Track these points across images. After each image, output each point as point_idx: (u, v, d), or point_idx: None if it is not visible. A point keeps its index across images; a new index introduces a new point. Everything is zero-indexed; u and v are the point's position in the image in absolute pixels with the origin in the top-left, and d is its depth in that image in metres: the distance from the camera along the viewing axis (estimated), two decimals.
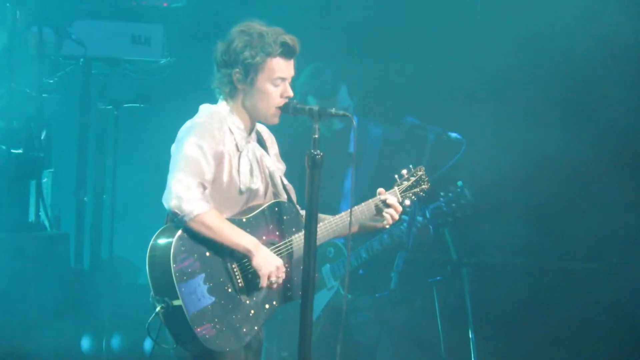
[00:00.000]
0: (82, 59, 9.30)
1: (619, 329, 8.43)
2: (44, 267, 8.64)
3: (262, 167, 5.42)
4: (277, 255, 5.29)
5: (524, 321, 8.63)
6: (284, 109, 5.31)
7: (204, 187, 5.15)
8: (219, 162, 5.24)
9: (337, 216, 5.45)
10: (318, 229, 5.15)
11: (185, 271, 5.08)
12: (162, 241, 5.12)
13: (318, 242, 5.14)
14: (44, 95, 9.19)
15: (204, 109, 5.37)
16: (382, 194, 5.55)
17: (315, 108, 5.20)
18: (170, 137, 5.31)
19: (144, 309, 5.34)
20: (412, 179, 5.67)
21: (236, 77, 5.30)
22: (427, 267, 8.18)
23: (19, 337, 8.38)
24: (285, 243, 5.34)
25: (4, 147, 8.98)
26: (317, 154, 5.07)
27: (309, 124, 5.16)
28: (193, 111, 5.39)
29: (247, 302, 5.22)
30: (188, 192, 5.08)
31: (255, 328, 5.24)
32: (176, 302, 5.05)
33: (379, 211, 5.51)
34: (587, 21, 8.41)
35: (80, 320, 8.66)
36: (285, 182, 5.52)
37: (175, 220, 5.12)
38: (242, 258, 5.21)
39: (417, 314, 8.33)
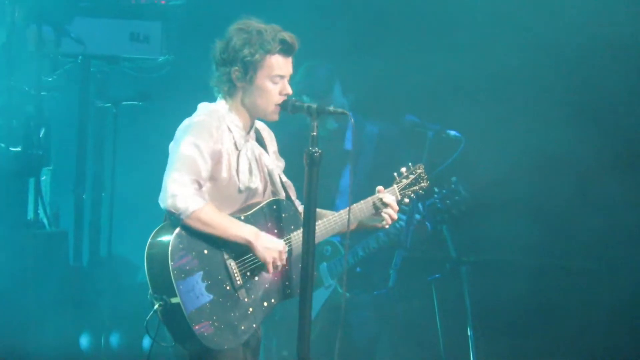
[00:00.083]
0: (80, 57, 9.30)
1: (619, 328, 8.43)
2: (42, 265, 8.63)
3: (260, 165, 5.41)
4: None
5: (524, 319, 8.63)
6: (282, 106, 5.31)
7: (199, 185, 5.14)
8: (217, 160, 5.23)
9: (336, 214, 5.45)
10: (317, 227, 5.15)
11: (183, 269, 5.08)
12: (160, 239, 5.12)
13: (317, 240, 5.14)
14: (42, 93, 9.19)
15: (203, 107, 5.36)
16: (381, 192, 5.54)
17: (314, 105, 5.21)
18: (169, 134, 5.30)
19: (142, 307, 5.33)
20: (412, 176, 5.66)
21: (235, 75, 5.29)
22: (426, 265, 8.18)
23: (18, 334, 8.38)
24: (284, 241, 5.33)
25: (2, 145, 8.98)
26: (316, 152, 5.07)
27: (303, 122, 5.16)
28: (192, 108, 5.38)
29: (246, 299, 5.21)
30: (182, 190, 5.08)
31: (254, 326, 5.24)
32: (174, 300, 5.04)
33: (377, 210, 5.51)
34: (587, 18, 8.40)
35: (79, 317, 8.66)
36: (285, 179, 5.52)
37: (172, 219, 5.12)
38: (241, 255, 5.21)
39: (416, 312, 8.33)
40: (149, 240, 5.15)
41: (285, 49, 5.30)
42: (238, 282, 5.20)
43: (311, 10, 8.82)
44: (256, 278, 5.25)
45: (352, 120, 5.43)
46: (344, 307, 5.57)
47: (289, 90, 5.34)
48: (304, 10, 8.74)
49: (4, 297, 8.40)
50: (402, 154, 7.66)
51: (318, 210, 5.26)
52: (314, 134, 5.12)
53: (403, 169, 5.67)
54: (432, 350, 8.08)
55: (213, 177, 5.23)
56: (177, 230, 5.10)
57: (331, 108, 5.24)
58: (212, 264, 5.15)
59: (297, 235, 5.31)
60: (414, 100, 8.61)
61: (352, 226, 5.46)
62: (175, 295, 5.04)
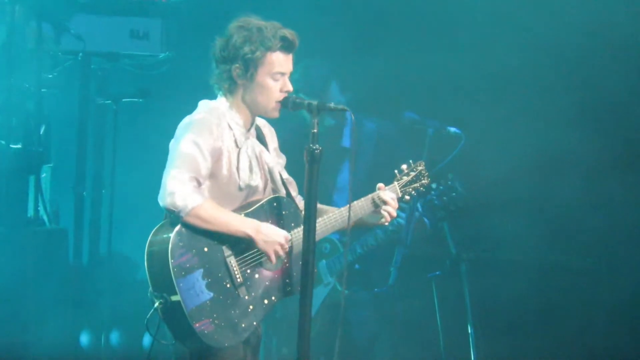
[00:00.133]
0: (80, 54, 9.29)
1: (620, 327, 8.42)
2: (42, 263, 8.63)
3: (261, 163, 5.41)
4: None
5: (524, 317, 8.63)
6: (283, 103, 5.31)
7: (198, 182, 5.13)
8: (217, 158, 5.23)
9: (336, 211, 5.44)
10: (317, 224, 5.14)
11: (183, 266, 5.07)
12: (160, 237, 5.11)
13: (317, 237, 5.13)
14: (43, 90, 9.18)
15: (203, 104, 5.35)
16: (382, 189, 5.53)
17: (314, 102, 5.20)
18: (170, 131, 5.30)
19: (143, 305, 5.32)
20: (412, 174, 5.66)
21: (236, 72, 5.28)
22: (426, 262, 8.18)
23: (18, 332, 8.37)
24: None
25: (2, 142, 8.97)
26: (316, 149, 5.06)
27: (300, 119, 5.16)
28: (192, 105, 5.38)
29: (246, 297, 5.21)
30: (180, 187, 5.07)
31: (254, 323, 5.23)
32: (174, 298, 5.04)
33: (377, 207, 5.50)
34: (588, 18, 8.40)
35: (79, 315, 8.65)
36: (286, 175, 5.51)
37: (172, 217, 5.11)
38: (242, 252, 5.20)
39: (416, 309, 8.33)
40: (149, 238, 5.14)
41: (286, 46, 5.30)
42: (238, 280, 5.19)
43: (310, 8, 8.82)
44: (257, 275, 5.24)
45: (353, 117, 5.42)
46: (344, 306, 5.55)
47: (290, 87, 5.33)
48: (303, 7, 8.73)
49: (3, 294, 8.39)
50: (400, 151, 7.67)
51: (319, 205, 5.26)
52: (315, 131, 5.11)
53: (404, 166, 5.66)
54: (432, 348, 8.08)
55: (213, 175, 5.23)
56: (177, 228, 5.09)
57: (332, 105, 5.23)
58: (212, 262, 5.14)
59: (298, 233, 5.31)
60: (414, 98, 8.60)
61: (353, 223, 5.45)
62: (176, 293, 5.04)
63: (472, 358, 7.76)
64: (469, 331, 7.73)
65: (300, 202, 5.45)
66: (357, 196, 5.50)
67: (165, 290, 5.06)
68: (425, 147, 7.59)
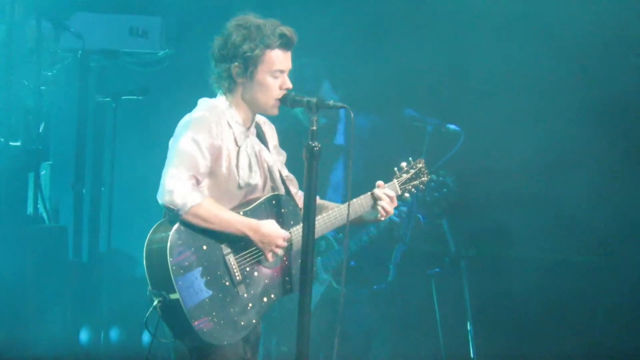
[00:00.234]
0: (80, 52, 9.29)
1: (621, 323, 8.43)
2: (42, 260, 8.63)
3: (260, 161, 5.40)
4: None
5: (524, 314, 8.63)
6: (282, 100, 5.31)
7: (197, 180, 5.13)
8: (216, 156, 5.22)
9: (335, 209, 5.43)
10: (316, 222, 5.14)
11: (182, 264, 5.07)
12: (159, 235, 5.11)
13: (316, 235, 5.13)
14: (42, 87, 9.18)
15: (203, 102, 5.35)
16: (381, 187, 5.53)
17: (313, 100, 5.20)
18: (169, 129, 5.29)
19: (142, 302, 5.32)
20: (412, 171, 5.65)
21: (235, 71, 5.28)
22: (426, 259, 8.18)
23: (18, 329, 8.38)
24: None
25: (2, 140, 8.98)
26: (315, 146, 5.07)
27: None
28: (192, 103, 5.37)
29: (245, 295, 5.20)
30: (179, 186, 5.06)
31: (253, 321, 5.23)
32: (173, 296, 5.03)
33: (375, 203, 5.50)
34: (596, 16, 8.39)
35: (78, 312, 8.66)
36: (286, 173, 5.51)
37: (171, 215, 5.11)
38: (241, 250, 5.20)
39: (416, 306, 8.33)
40: (148, 236, 5.14)
41: (285, 43, 5.29)
42: (237, 278, 5.19)
43: (310, 6, 8.82)
44: (256, 274, 5.24)
45: (352, 114, 5.41)
46: (342, 304, 5.55)
47: (289, 85, 5.34)
48: (302, 5, 8.73)
49: (3, 291, 8.40)
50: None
51: (318, 201, 5.26)
52: (314, 128, 5.11)
53: (403, 164, 5.66)
54: (431, 344, 8.08)
55: (213, 173, 5.23)
56: (176, 226, 5.09)
57: (331, 102, 5.24)
58: (211, 260, 5.14)
59: (297, 230, 5.30)
60: (414, 95, 8.60)
61: (352, 221, 5.45)
62: (175, 291, 5.03)
63: (472, 355, 7.77)
64: (469, 328, 7.73)
65: (300, 199, 5.44)
66: (352, 193, 5.49)
67: (164, 289, 5.06)
68: (425, 145, 7.59)
